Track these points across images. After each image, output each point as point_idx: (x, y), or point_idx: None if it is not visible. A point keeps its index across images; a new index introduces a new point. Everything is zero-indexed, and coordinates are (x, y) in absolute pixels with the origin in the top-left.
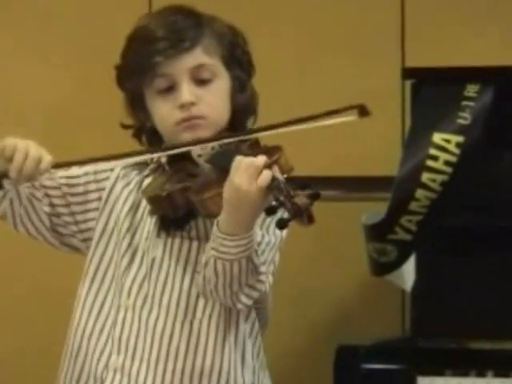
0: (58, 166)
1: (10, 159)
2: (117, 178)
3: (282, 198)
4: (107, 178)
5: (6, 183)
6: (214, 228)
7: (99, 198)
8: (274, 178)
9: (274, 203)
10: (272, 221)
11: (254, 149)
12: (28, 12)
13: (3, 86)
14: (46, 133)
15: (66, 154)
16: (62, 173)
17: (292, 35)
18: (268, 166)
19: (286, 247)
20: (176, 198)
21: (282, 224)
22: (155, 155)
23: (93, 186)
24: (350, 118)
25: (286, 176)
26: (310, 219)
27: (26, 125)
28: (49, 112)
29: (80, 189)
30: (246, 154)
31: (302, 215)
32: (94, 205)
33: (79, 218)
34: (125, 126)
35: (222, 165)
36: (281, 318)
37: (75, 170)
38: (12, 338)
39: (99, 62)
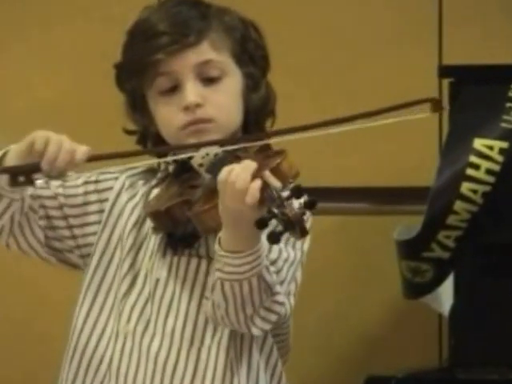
0: (94, 158)
1: (42, 153)
2: (121, 189)
3: (274, 210)
4: (110, 188)
5: (37, 178)
6: (216, 247)
7: (101, 211)
8: (265, 189)
9: (264, 215)
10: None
11: (261, 153)
12: (25, 9)
13: None
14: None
15: None
16: (57, 182)
17: (322, 31)
18: (260, 176)
19: (310, 266)
20: (175, 212)
21: (273, 238)
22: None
23: (93, 197)
24: (421, 115)
25: (291, 181)
26: (303, 232)
27: (22, 123)
28: (45, 110)
29: (79, 200)
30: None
31: (295, 228)
32: (94, 218)
33: (77, 232)
34: (128, 132)
35: (218, 174)
36: (304, 345)
37: (73, 179)
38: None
39: (96, 59)
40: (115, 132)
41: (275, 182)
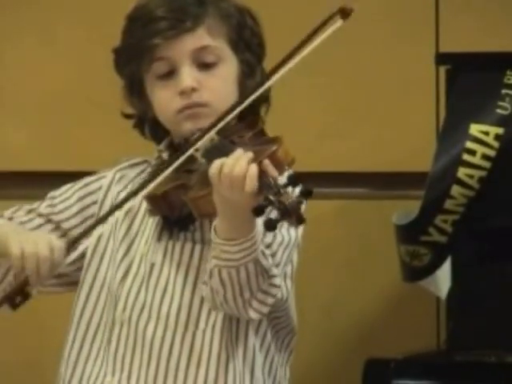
0: (70, 246)
1: (22, 270)
2: (111, 183)
3: (270, 197)
4: (100, 188)
5: (32, 290)
6: (212, 235)
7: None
8: (262, 176)
9: (262, 202)
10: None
11: (256, 139)
12: (34, 1)
13: (0, 73)
14: (43, 121)
15: (62, 143)
16: (46, 202)
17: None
18: (257, 163)
19: (310, 251)
20: (171, 196)
21: (270, 225)
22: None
23: (88, 200)
24: (336, 24)
25: (287, 168)
26: (299, 220)
27: (24, 113)
28: (46, 100)
29: (74, 209)
30: (231, 150)
31: (291, 216)
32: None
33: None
34: (126, 116)
35: (214, 159)
36: (305, 329)
37: (64, 192)
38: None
39: (99, 49)
40: (118, 125)
41: (272, 170)
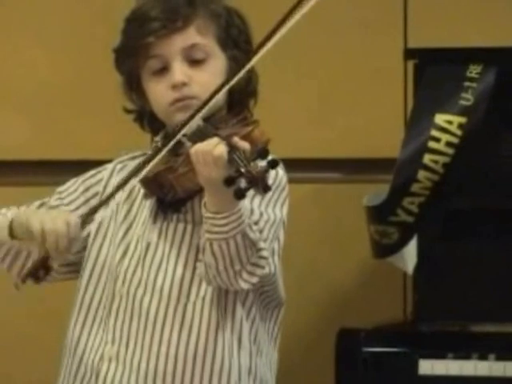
0: (84, 221)
1: (43, 245)
2: (112, 172)
3: (240, 169)
4: (101, 179)
5: (53, 263)
6: (203, 210)
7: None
8: (233, 151)
9: (232, 174)
10: (271, 199)
11: (237, 124)
12: None
13: (2, 70)
14: (45, 117)
15: (65, 138)
16: (55, 196)
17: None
18: (229, 140)
19: (289, 230)
20: (161, 178)
21: (239, 193)
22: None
23: (92, 191)
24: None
25: (261, 146)
26: (265, 188)
27: (26, 109)
28: (48, 96)
29: (80, 200)
30: (204, 134)
31: (257, 184)
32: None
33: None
34: (127, 111)
35: (197, 142)
36: (285, 300)
37: (69, 186)
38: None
39: (99, 46)
40: (118, 114)
41: (243, 145)
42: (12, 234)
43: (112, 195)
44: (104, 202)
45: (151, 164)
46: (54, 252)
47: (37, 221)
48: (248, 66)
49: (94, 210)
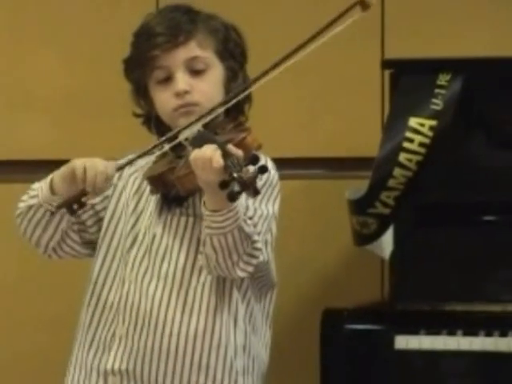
0: (118, 167)
1: (83, 179)
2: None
3: (234, 174)
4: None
5: (86, 200)
6: (202, 208)
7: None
8: (228, 157)
9: (226, 178)
10: (264, 196)
11: (233, 130)
12: (42, 4)
13: (18, 74)
14: (59, 120)
15: (83, 135)
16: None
17: (281, 30)
18: (224, 148)
19: (280, 221)
20: (165, 177)
21: (232, 196)
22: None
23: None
24: (356, 16)
25: (253, 151)
26: (255, 191)
27: (41, 112)
28: (62, 100)
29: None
30: (204, 141)
31: (249, 188)
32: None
33: (101, 214)
34: (136, 115)
35: (197, 146)
36: (276, 285)
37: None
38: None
39: (111, 52)
40: (126, 119)
41: (237, 152)
42: (52, 189)
43: (140, 156)
44: (141, 155)
45: (157, 152)
46: (92, 187)
47: (79, 161)
48: (247, 91)
49: (128, 162)
